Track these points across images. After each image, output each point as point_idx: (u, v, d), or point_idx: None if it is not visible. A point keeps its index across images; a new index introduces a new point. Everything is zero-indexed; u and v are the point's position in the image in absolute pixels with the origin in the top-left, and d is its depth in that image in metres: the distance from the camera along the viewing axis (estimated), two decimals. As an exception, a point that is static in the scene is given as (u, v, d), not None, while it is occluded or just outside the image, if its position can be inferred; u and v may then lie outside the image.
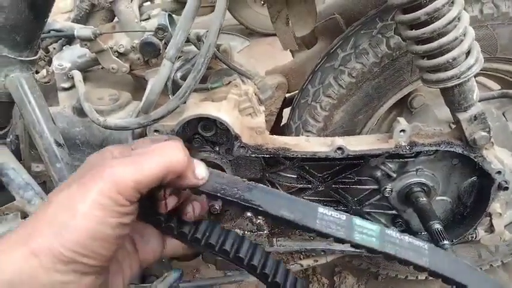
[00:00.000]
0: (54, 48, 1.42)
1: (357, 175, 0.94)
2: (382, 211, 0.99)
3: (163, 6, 2.23)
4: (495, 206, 0.95)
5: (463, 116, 0.81)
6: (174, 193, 0.53)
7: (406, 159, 0.91)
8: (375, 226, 0.55)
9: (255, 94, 0.91)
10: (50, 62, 1.37)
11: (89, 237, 0.40)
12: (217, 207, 0.94)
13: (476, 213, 0.95)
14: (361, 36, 0.93)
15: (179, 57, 0.94)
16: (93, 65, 1.22)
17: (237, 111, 0.86)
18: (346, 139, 0.88)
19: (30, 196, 0.82)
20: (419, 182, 0.93)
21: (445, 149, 0.86)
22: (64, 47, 1.34)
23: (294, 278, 0.56)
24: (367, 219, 0.82)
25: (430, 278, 1.29)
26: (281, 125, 1.25)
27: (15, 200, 0.84)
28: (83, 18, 1.71)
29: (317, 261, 1.07)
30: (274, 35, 1.09)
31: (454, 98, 0.79)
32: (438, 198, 0.97)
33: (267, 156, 0.86)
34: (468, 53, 0.74)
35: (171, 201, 0.52)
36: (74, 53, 1.19)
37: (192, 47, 1.06)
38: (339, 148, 0.84)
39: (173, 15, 1.14)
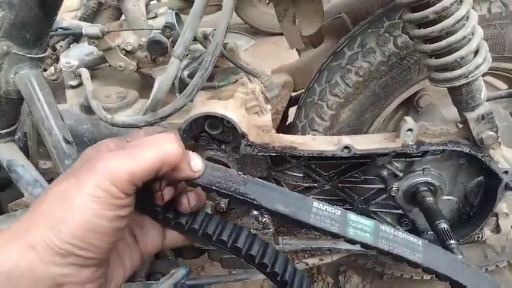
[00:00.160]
0: (61, 46, 1.42)
1: (363, 174, 0.94)
2: (388, 210, 0.99)
3: (170, 4, 2.23)
4: (502, 206, 0.95)
5: (470, 116, 0.80)
6: (171, 184, 0.52)
7: (412, 159, 0.91)
8: (369, 221, 0.56)
9: (262, 92, 0.92)
10: (57, 60, 1.38)
11: (86, 230, 0.41)
12: (223, 205, 0.95)
13: (483, 213, 0.95)
14: (368, 35, 0.93)
15: (186, 55, 0.95)
16: (101, 63, 1.23)
17: (243, 109, 0.86)
18: (352, 138, 0.88)
19: (39, 193, 0.83)
20: (426, 181, 0.92)
21: (452, 149, 0.85)
22: (71, 45, 1.34)
23: (293, 268, 0.56)
24: (373, 218, 0.82)
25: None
26: (287, 124, 1.25)
27: (23, 196, 0.85)
28: (90, 17, 1.71)
29: (322, 260, 1.07)
30: (280, 34, 1.10)
31: (461, 97, 0.79)
32: (444, 197, 0.97)
33: (274, 154, 0.86)
34: (476, 52, 0.74)
35: (168, 193, 0.52)
36: (82, 51, 1.20)
37: (199, 46, 1.06)
38: (346, 147, 0.84)
39: (180, 14, 1.15)
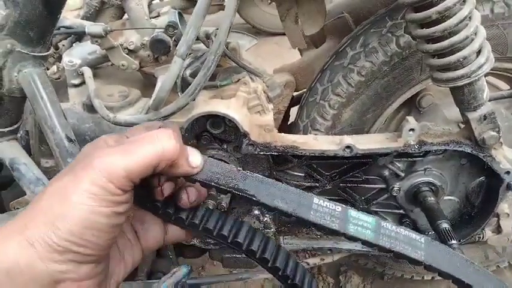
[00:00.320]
0: (63, 45, 1.43)
1: (364, 174, 0.94)
2: (390, 210, 0.99)
3: (172, 3, 2.23)
4: (503, 207, 0.95)
5: (472, 116, 0.80)
6: (171, 179, 0.52)
7: (414, 159, 0.91)
8: (370, 218, 0.55)
9: (264, 92, 0.92)
10: (59, 59, 1.38)
11: (83, 226, 0.41)
12: (225, 205, 0.95)
13: (484, 214, 0.95)
14: (370, 34, 0.93)
15: (189, 54, 0.95)
16: (103, 62, 1.23)
17: (245, 108, 0.87)
18: (354, 138, 0.88)
19: (41, 191, 0.83)
20: (428, 181, 0.92)
21: (454, 149, 0.85)
22: (74, 44, 1.35)
23: (295, 262, 0.56)
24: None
25: (437, 278, 1.29)
26: (289, 123, 1.25)
27: (25, 194, 0.85)
28: (93, 16, 1.72)
29: (323, 259, 1.07)
30: (282, 34, 1.10)
31: (463, 97, 0.79)
32: (446, 197, 0.97)
33: (275, 154, 0.86)
34: (479, 52, 0.74)
35: (168, 188, 0.51)
36: (84, 50, 1.20)
37: (201, 45, 1.06)
38: (348, 147, 0.84)
39: (182, 13, 1.15)
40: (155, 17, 1.22)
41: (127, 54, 1.12)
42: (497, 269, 1.29)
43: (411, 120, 0.85)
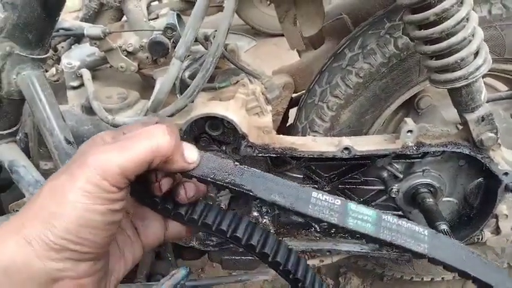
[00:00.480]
0: (62, 47, 1.43)
1: (363, 175, 0.94)
2: (388, 212, 0.99)
3: (171, 5, 2.23)
4: (502, 208, 0.94)
5: (470, 117, 0.81)
6: (169, 175, 0.51)
7: (412, 160, 0.91)
8: (371, 211, 0.53)
9: (262, 94, 0.92)
10: (58, 61, 1.38)
11: (79, 225, 0.40)
12: (223, 206, 0.95)
13: (483, 215, 0.95)
14: (368, 36, 0.94)
15: (187, 56, 0.95)
16: (102, 64, 1.23)
17: (244, 110, 0.87)
18: (353, 139, 0.88)
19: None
20: (426, 182, 0.93)
21: (452, 150, 0.86)
22: (73, 46, 1.35)
23: (296, 256, 0.55)
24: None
25: (436, 279, 1.30)
26: (287, 125, 1.25)
27: (24, 197, 0.85)
28: (92, 18, 1.72)
29: (323, 261, 1.07)
30: (280, 35, 1.10)
31: (461, 98, 0.79)
32: (444, 199, 0.97)
33: (274, 155, 0.86)
34: (476, 54, 0.74)
35: (166, 183, 0.50)
36: (83, 52, 1.20)
37: (199, 47, 1.07)
38: (346, 148, 0.84)
39: (181, 15, 1.15)
40: (154, 19, 1.22)
41: (126, 56, 1.12)
42: (497, 270, 1.28)
43: (409, 122, 0.85)
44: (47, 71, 1.35)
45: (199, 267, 1.56)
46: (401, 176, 0.92)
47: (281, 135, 0.90)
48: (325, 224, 0.52)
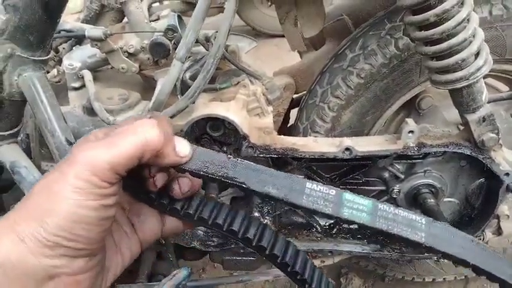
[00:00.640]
0: (63, 49, 1.43)
1: (364, 176, 0.94)
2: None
3: (172, 7, 2.24)
4: (503, 208, 0.94)
5: (471, 118, 0.81)
6: (163, 170, 0.51)
7: (414, 161, 0.91)
8: (367, 201, 0.52)
9: (263, 94, 0.92)
10: (59, 62, 1.39)
11: (71, 221, 0.41)
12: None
13: (484, 215, 0.95)
14: (369, 37, 0.94)
15: (188, 57, 0.95)
16: (103, 65, 1.23)
17: (245, 111, 0.87)
18: (354, 140, 0.88)
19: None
20: (427, 183, 0.93)
21: (453, 151, 0.86)
22: (74, 47, 1.35)
23: (295, 249, 0.55)
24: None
25: (437, 280, 1.29)
26: (288, 126, 1.25)
27: (26, 197, 0.85)
28: (93, 19, 1.72)
29: (324, 262, 1.07)
30: (281, 36, 1.10)
31: (462, 99, 0.79)
32: (446, 199, 0.97)
33: (275, 156, 0.86)
34: (477, 55, 0.74)
35: (160, 179, 0.50)
36: (84, 53, 1.20)
37: (200, 48, 1.07)
38: (347, 149, 0.84)
39: (182, 16, 1.15)
40: (155, 20, 1.22)
41: (127, 57, 1.12)
42: (498, 270, 1.28)
43: (410, 122, 0.85)
44: (48, 72, 1.35)
45: (200, 268, 1.56)
46: (402, 176, 0.92)
47: (282, 136, 0.90)
48: (320, 214, 0.51)
